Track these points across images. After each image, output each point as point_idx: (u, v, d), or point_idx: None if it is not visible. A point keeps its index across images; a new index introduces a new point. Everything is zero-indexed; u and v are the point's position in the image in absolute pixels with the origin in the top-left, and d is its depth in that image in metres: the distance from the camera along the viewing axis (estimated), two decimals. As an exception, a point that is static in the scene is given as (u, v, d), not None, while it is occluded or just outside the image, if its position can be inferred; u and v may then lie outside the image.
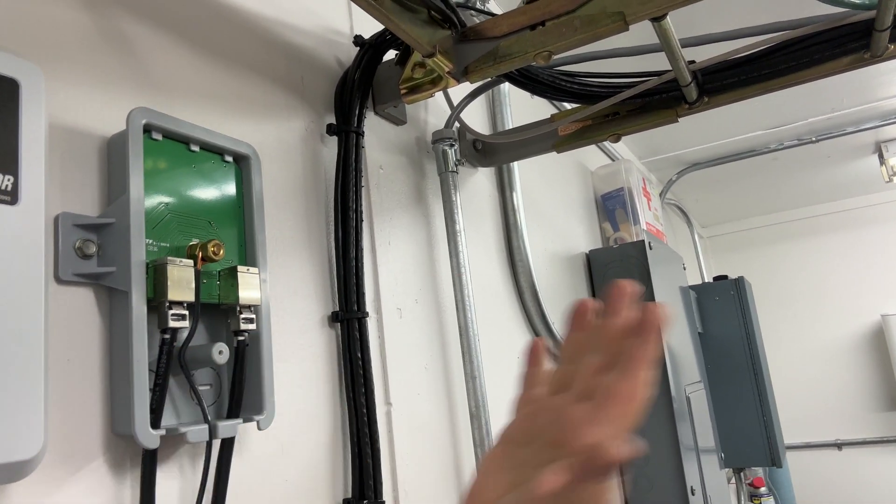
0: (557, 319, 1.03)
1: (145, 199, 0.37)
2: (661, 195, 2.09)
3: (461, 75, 0.61)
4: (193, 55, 0.46)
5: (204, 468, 0.39)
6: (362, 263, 0.56)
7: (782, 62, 0.71)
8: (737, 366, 1.96)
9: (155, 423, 0.36)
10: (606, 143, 1.60)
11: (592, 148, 1.51)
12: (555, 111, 1.07)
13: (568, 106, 1.20)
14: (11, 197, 0.29)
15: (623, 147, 1.84)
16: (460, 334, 0.71)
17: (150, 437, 0.35)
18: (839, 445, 2.78)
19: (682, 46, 0.64)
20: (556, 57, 0.78)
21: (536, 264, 1.00)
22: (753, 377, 1.94)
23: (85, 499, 0.34)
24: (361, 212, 0.57)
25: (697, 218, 2.94)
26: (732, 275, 1.97)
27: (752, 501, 2.33)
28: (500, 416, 0.78)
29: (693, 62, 0.69)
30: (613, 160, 1.55)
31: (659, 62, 0.68)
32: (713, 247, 3.17)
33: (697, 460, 1.23)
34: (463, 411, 0.71)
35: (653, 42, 0.65)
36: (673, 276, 1.43)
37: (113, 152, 0.38)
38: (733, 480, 2.13)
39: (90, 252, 0.36)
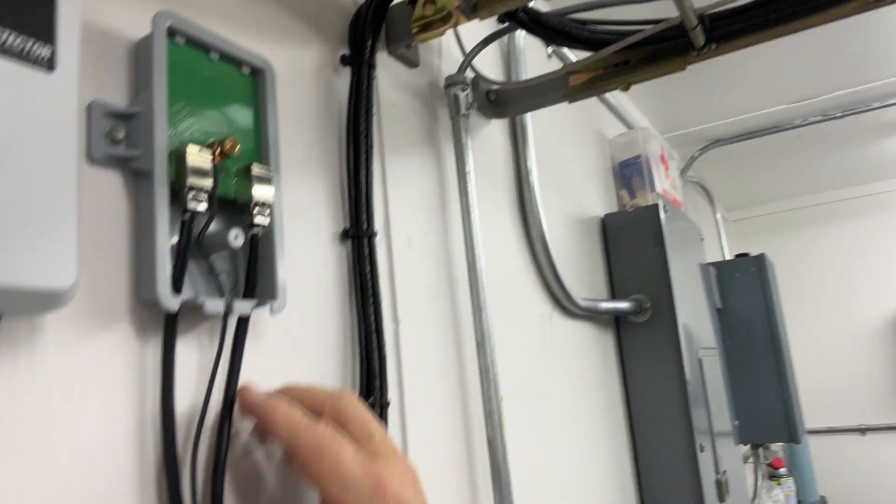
0: (567, 272, 1.06)
1: (168, 96, 0.41)
2: (682, 172, 2.09)
3: (470, 11, 0.64)
4: (215, -23, 0.50)
5: (220, 342, 0.42)
6: (372, 185, 0.60)
7: (788, 6, 0.73)
8: (757, 342, 1.95)
9: (175, 290, 0.40)
10: (625, 113, 1.61)
11: (610, 117, 1.52)
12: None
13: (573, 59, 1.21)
14: (49, 65, 0.32)
15: (644, 120, 1.85)
16: (468, 268, 0.74)
17: (170, 301, 0.39)
18: (863, 430, 2.75)
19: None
20: (566, 4, 0.80)
21: (548, 218, 1.02)
22: (773, 354, 1.93)
23: (111, 354, 0.38)
24: (373, 137, 0.60)
25: (723, 201, 2.93)
26: (759, 258, 1.95)
27: (771, 480, 2.32)
28: (504, 348, 0.81)
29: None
30: (631, 128, 1.56)
31: (669, 11, 0.70)
32: (739, 230, 3.15)
33: (709, 423, 1.25)
34: (469, 340, 0.74)
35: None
36: (689, 245, 1.44)
37: (140, 52, 0.42)
38: (751, 460, 2.12)
39: (119, 137, 0.40)
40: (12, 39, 0.31)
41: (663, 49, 0.79)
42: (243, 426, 0.45)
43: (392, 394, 0.61)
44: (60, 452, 0.35)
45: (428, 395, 0.66)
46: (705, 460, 1.17)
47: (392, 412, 0.60)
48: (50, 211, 0.31)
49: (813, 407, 2.75)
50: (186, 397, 0.42)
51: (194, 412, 0.42)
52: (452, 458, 0.68)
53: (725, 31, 0.75)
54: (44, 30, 0.32)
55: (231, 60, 0.47)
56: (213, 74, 0.46)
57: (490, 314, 0.73)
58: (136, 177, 0.41)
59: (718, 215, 2.43)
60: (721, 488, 1.22)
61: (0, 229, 0.29)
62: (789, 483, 2.39)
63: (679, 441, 1.15)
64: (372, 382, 0.55)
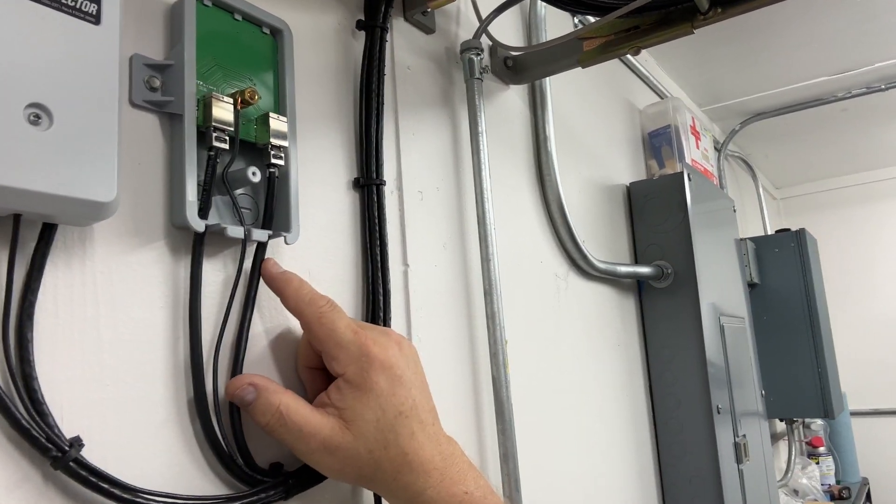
0: (588, 236, 1.10)
1: (196, 51, 0.48)
2: (723, 145, 2.08)
3: (478, -22, 0.69)
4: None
5: (239, 262, 0.50)
6: (382, 140, 0.66)
7: (792, -31, 0.75)
8: (794, 318, 1.95)
9: (202, 215, 0.47)
10: (661, 85, 1.63)
11: (642, 87, 1.54)
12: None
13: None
14: (96, 19, 0.40)
15: (681, 93, 1.85)
16: (478, 222, 0.79)
17: (197, 224, 0.46)
18: (910, 414, 2.68)
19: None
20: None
21: (568, 184, 1.07)
22: (810, 329, 1.92)
23: (149, 266, 0.46)
24: (383, 96, 0.67)
25: (769, 177, 2.87)
26: (806, 237, 1.94)
27: (810, 458, 2.31)
28: (513, 299, 0.86)
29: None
30: (663, 98, 1.58)
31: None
32: (787, 209, 3.09)
33: (728, 386, 1.27)
34: (478, 288, 0.80)
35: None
36: (718, 216, 1.45)
37: (174, 13, 0.49)
38: (787, 437, 2.12)
39: (156, 86, 0.47)
40: (66, -2, 0.38)
41: (671, 14, 0.82)
42: (258, 330, 0.53)
43: (399, 329, 0.67)
44: (105, 343, 0.43)
45: (435, 333, 0.73)
46: (723, 422, 1.20)
47: (399, 343, 0.66)
48: (96, 139, 0.39)
49: (858, 388, 2.70)
50: (213, 307, 0.49)
51: (218, 319, 0.49)
52: (458, 392, 0.75)
53: (730, -6, 0.78)
54: (91, -10, 0.39)
55: (253, 21, 0.54)
56: (236, 33, 0.53)
57: (497, 265, 0.78)
58: (170, 119, 0.48)
59: (761, 190, 2.40)
60: (739, 451, 1.25)
61: (57, 151, 0.37)
62: (828, 462, 2.37)
63: (695, 402, 1.19)
64: (376, 313, 0.61)
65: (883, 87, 1.78)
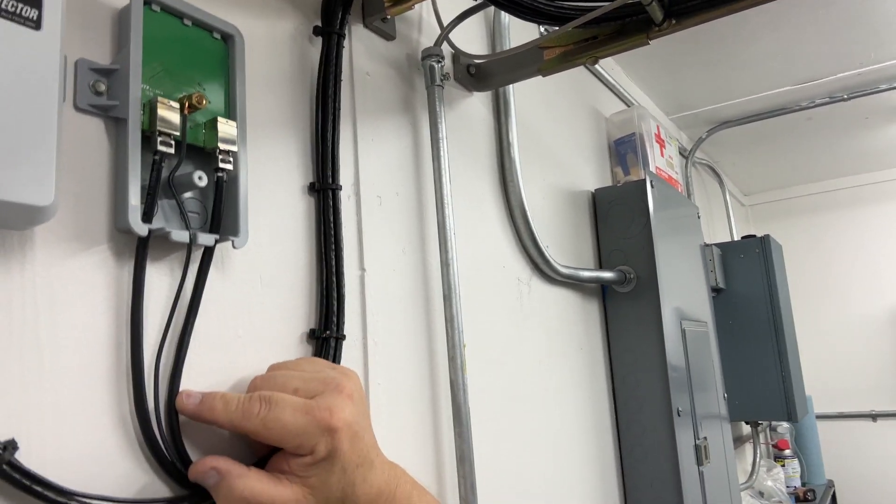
0: (552, 242, 1.12)
1: (143, 55, 0.48)
2: (690, 153, 2.12)
3: (434, -14, 0.70)
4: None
5: (184, 266, 0.50)
6: (338, 145, 0.66)
7: (742, -18, 0.77)
8: (758, 323, 1.99)
9: (145, 219, 0.47)
10: (628, 94, 1.65)
11: (609, 95, 1.56)
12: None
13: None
14: (36, 24, 0.40)
15: (649, 101, 1.88)
16: (438, 227, 0.80)
17: (140, 227, 0.46)
18: (874, 416, 2.74)
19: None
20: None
21: (532, 190, 1.08)
22: (775, 333, 1.96)
23: (92, 271, 0.46)
24: (340, 101, 0.67)
25: (738, 184, 2.93)
26: (772, 243, 1.97)
27: (776, 461, 2.35)
28: (475, 303, 0.87)
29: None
30: (629, 106, 1.60)
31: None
32: (755, 215, 3.15)
33: (689, 389, 1.29)
34: (437, 293, 0.81)
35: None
36: (682, 222, 1.47)
37: (121, 19, 0.50)
38: (752, 440, 2.15)
39: (101, 90, 0.47)
40: (6, 2, 0.38)
41: (627, 25, 0.84)
42: (202, 335, 0.53)
43: (354, 333, 0.68)
44: (45, 347, 0.43)
45: (392, 338, 0.73)
46: (683, 424, 1.22)
47: (353, 348, 0.67)
48: (33, 142, 0.39)
49: (824, 392, 2.76)
50: (157, 312, 0.49)
51: (162, 324, 0.49)
52: (416, 397, 0.75)
53: (684, 7, 0.80)
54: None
55: (203, 26, 0.54)
56: (185, 38, 0.53)
57: (457, 269, 0.79)
58: (116, 123, 0.48)
59: (728, 198, 2.44)
60: (699, 453, 1.27)
61: (-8, 154, 0.37)
62: (794, 464, 2.41)
63: (656, 404, 1.21)
64: (330, 317, 0.62)
65: (845, 96, 1.83)
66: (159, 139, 0.48)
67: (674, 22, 0.81)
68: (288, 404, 0.47)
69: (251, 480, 0.46)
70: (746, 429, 2.24)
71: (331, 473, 0.48)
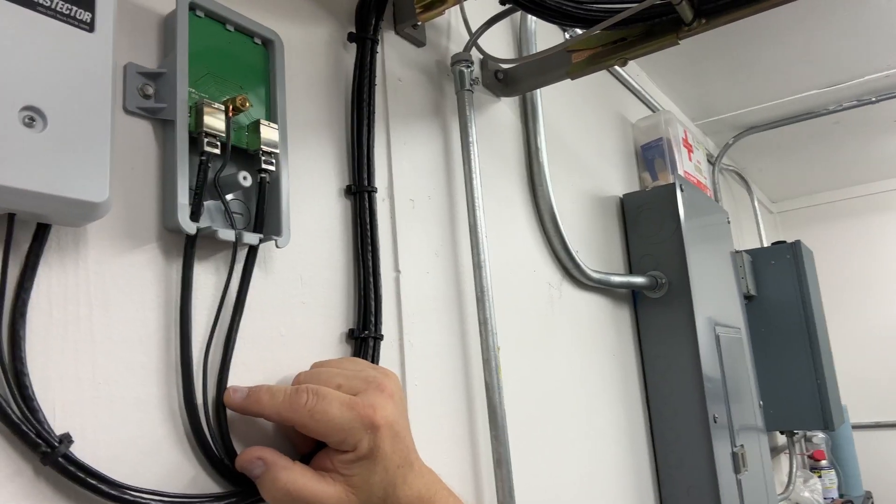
0: (581, 246, 1.11)
1: (189, 59, 0.50)
2: (717, 159, 2.10)
3: (465, -8, 0.71)
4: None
5: (231, 263, 0.51)
6: (373, 148, 0.67)
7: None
8: (791, 330, 1.95)
9: (193, 218, 0.48)
10: (653, 99, 1.65)
11: (634, 101, 1.56)
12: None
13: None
14: (90, 27, 0.41)
15: (674, 107, 1.87)
16: (469, 230, 0.80)
17: (188, 226, 0.47)
18: (913, 426, 2.67)
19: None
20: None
21: (561, 195, 1.08)
22: (808, 341, 1.92)
23: (142, 268, 0.47)
24: (374, 106, 0.68)
25: (765, 191, 2.89)
26: (804, 250, 1.94)
27: (812, 472, 2.29)
28: (507, 306, 0.87)
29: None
30: (655, 112, 1.60)
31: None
32: (784, 222, 3.10)
33: (725, 397, 1.27)
34: (470, 295, 0.81)
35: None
36: (712, 227, 1.46)
37: (168, 23, 0.51)
38: (788, 450, 2.11)
39: (149, 93, 0.49)
40: (61, 5, 0.40)
41: (656, 25, 0.84)
42: (247, 332, 0.53)
43: (391, 334, 0.68)
44: (98, 343, 0.44)
45: (428, 339, 0.73)
46: (720, 432, 1.20)
47: (390, 349, 0.67)
48: (88, 141, 0.40)
49: (861, 402, 2.69)
50: (204, 309, 0.50)
51: (209, 320, 0.50)
52: (452, 399, 0.75)
53: (714, 6, 0.80)
54: (86, 1, 0.41)
55: (244, 32, 0.55)
56: (228, 43, 0.54)
57: (489, 272, 0.79)
58: (163, 125, 0.50)
59: (756, 203, 2.41)
60: (737, 460, 1.25)
61: (51, 152, 0.38)
62: (831, 475, 2.35)
63: (691, 411, 1.19)
64: (368, 318, 0.62)
65: (874, 99, 1.80)
66: (206, 141, 0.49)
67: (704, 21, 0.81)
68: (335, 398, 0.47)
69: (295, 474, 0.46)
70: (781, 439, 2.19)
71: (373, 473, 0.48)
